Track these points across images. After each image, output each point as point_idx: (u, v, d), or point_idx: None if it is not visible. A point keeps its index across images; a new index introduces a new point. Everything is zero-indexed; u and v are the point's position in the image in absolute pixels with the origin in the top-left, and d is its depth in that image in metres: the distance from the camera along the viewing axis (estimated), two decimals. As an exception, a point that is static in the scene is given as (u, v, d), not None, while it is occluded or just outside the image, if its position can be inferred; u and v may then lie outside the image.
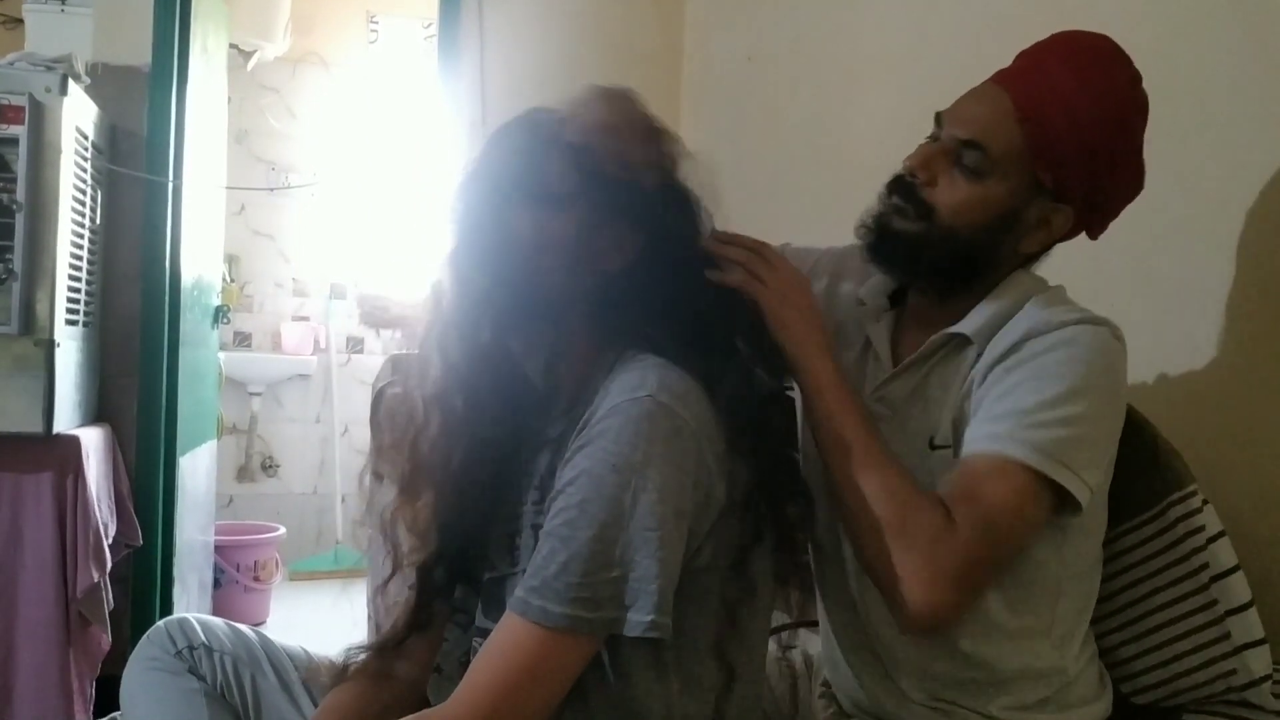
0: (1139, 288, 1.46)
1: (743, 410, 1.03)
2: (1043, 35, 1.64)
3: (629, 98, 1.11)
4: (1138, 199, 1.19)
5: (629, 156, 1.05)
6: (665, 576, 0.94)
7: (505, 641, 0.96)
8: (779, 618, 1.34)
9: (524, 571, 0.99)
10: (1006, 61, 1.70)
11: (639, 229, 1.06)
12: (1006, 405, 1.04)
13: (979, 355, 1.13)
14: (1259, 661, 1.13)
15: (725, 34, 3.00)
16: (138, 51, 2.79)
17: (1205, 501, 1.18)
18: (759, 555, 1.06)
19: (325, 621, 1.38)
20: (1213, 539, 1.16)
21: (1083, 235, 1.20)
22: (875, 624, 1.19)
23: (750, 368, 1.10)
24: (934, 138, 1.19)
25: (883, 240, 1.18)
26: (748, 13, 2.85)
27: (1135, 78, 1.14)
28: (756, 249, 1.16)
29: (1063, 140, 1.10)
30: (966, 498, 1.01)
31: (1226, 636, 1.14)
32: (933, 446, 1.13)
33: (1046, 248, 1.19)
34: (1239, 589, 1.14)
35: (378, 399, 1.61)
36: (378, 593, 1.18)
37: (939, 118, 1.19)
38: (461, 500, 1.10)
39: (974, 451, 1.05)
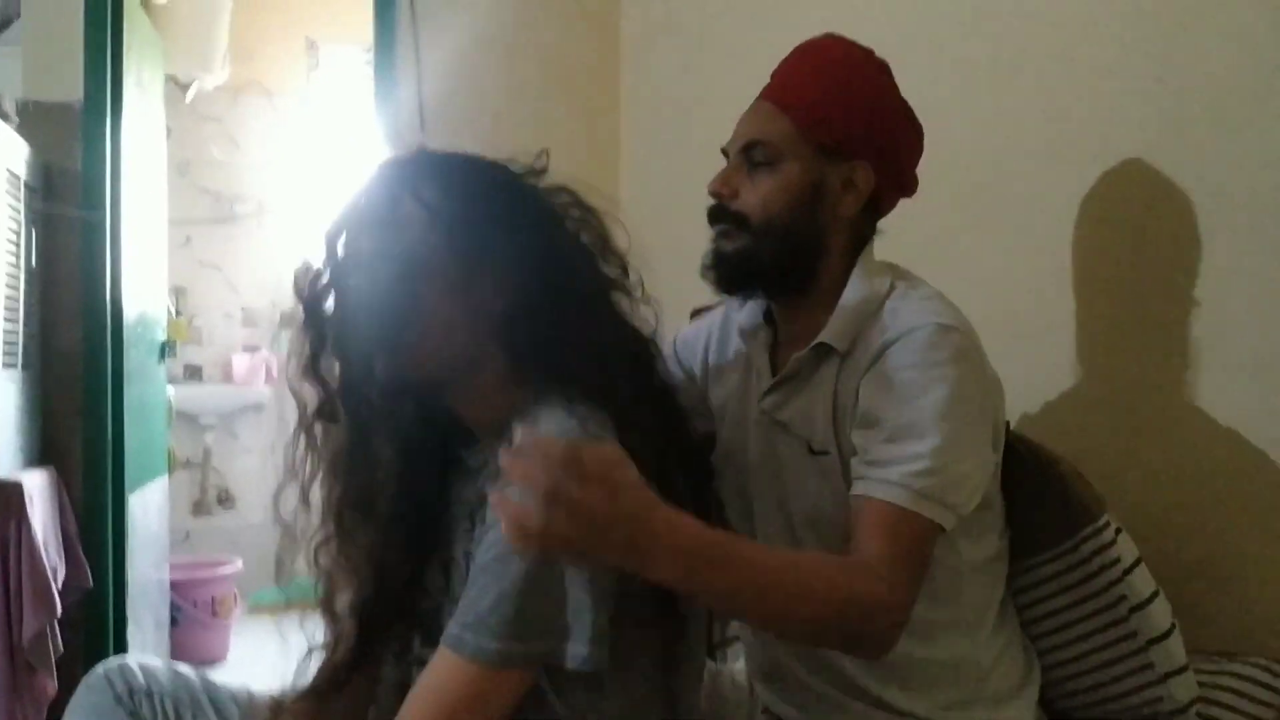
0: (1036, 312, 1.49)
1: (658, 438, 1.03)
2: (975, 47, 1.68)
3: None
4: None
5: (484, 201, 1.06)
6: (599, 607, 0.94)
7: (440, 678, 0.96)
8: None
9: (455, 602, 0.98)
10: (937, 64, 1.74)
11: (513, 267, 1.05)
12: (890, 451, 1.08)
13: (844, 359, 1.19)
14: (1183, 689, 1.15)
15: (661, 46, 3.02)
16: (69, 87, 2.76)
17: (1119, 531, 1.19)
18: None
19: (287, 654, 1.35)
20: (1129, 570, 1.17)
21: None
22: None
23: (660, 395, 1.10)
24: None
25: (722, 269, 1.26)
26: (682, 24, 2.87)
27: (864, 50, 1.29)
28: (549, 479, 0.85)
29: (820, 104, 1.23)
30: (891, 559, 1.04)
31: (1150, 666, 1.16)
32: (812, 451, 1.19)
33: (875, 208, 1.27)
34: (1159, 617, 1.17)
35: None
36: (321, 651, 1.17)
37: (725, 151, 1.30)
38: (391, 536, 1.10)
39: (872, 497, 1.07)
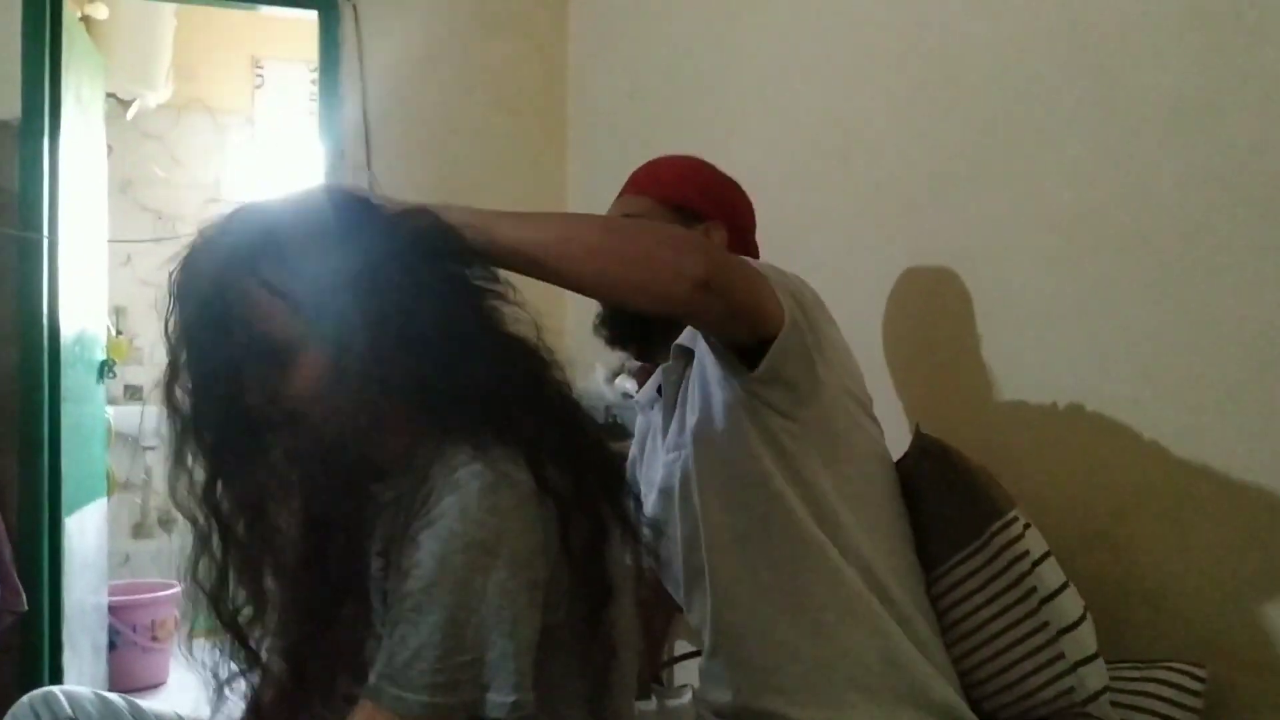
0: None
1: (573, 461, 1.02)
2: (919, 68, 1.73)
3: (306, 201, 1.06)
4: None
5: (333, 263, 0.99)
6: (522, 653, 0.93)
7: None
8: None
9: (377, 637, 0.98)
10: (874, 95, 1.78)
11: (383, 323, 0.99)
12: None
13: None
14: (1095, 677, 1.17)
15: (606, 72, 3.05)
16: (6, 104, 2.74)
17: (1027, 525, 1.22)
18: (615, 608, 1.04)
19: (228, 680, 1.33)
20: (1037, 562, 1.20)
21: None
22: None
23: (562, 410, 1.08)
24: None
25: (610, 326, 1.46)
26: (627, 51, 2.90)
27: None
28: None
29: (670, 182, 1.50)
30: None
31: (1061, 656, 1.18)
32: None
33: None
34: (1069, 607, 1.19)
35: None
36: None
37: None
38: (309, 576, 1.06)
39: None
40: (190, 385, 1.02)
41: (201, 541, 1.08)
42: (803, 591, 1.22)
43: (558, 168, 3.29)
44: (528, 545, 0.95)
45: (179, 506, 1.08)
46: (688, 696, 1.48)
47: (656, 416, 1.44)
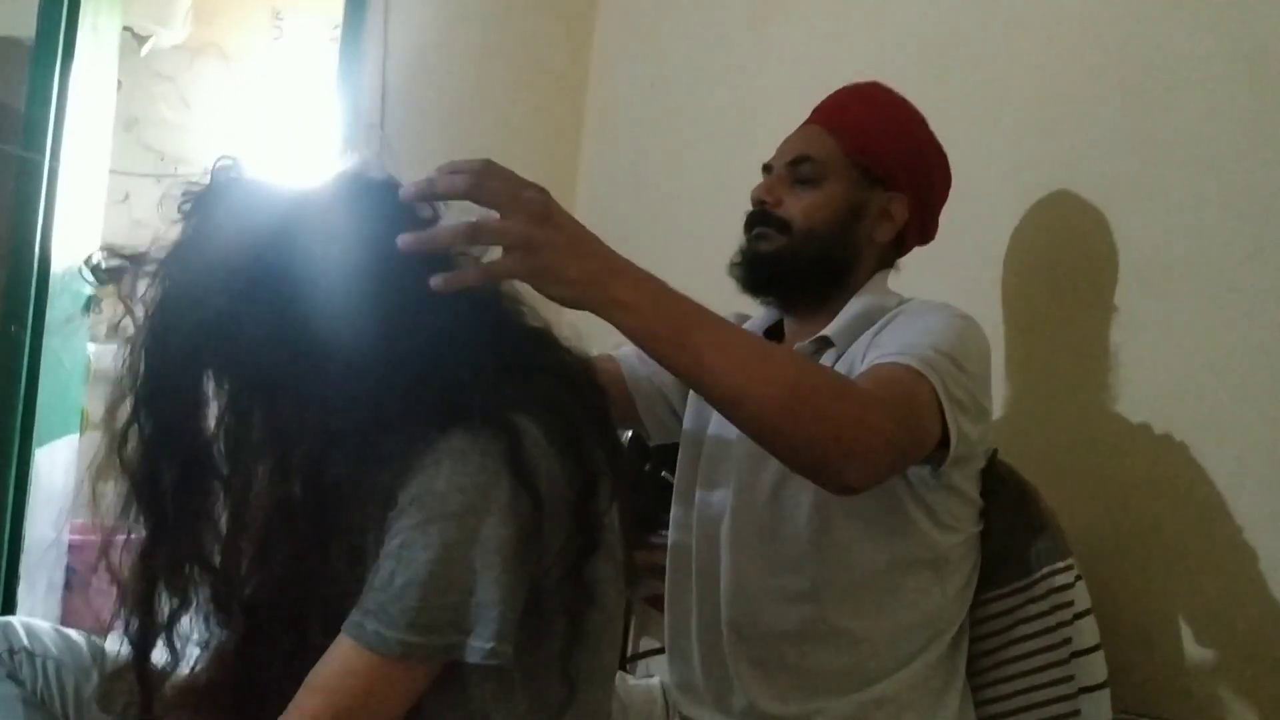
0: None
1: (571, 416, 1.01)
2: (948, 71, 1.71)
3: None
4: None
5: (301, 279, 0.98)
6: (508, 601, 0.92)
7: (338, 666, 0.92)
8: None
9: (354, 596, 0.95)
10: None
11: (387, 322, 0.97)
12: (904, 338, 1.11)
13: (839, 355, 1.23)
14: None
15: (631, 59, 3.02)
16: (21, 22, 2.69)
17: (1079, 577, 1.21)
18: (599, 561, 1.02)
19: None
20: (1080, 615, 1.19)
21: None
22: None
23: (560, 368, 1.07)
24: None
25: (755, 267, 1.30)
26: (654, 40, 2.88)
27: (907, 100, 1.38)
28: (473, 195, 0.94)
29: (868, 134, 1.32)
30: (887, 384, 1.04)
31: (1077, 713, 1.17)
32: None
33: (900, 243, 1.34)
34: (1097, 668, 1.18)
35: None
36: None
37: (767, 167, 1.37)
38: (293, 522, 1.03)
39: (883, 361, 1.08)
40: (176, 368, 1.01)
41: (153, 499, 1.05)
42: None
43: (572, 151, 3.26)
44: (526, 497, 0.93)
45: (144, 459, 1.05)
46: (655, 679, 1.46)
47: None
